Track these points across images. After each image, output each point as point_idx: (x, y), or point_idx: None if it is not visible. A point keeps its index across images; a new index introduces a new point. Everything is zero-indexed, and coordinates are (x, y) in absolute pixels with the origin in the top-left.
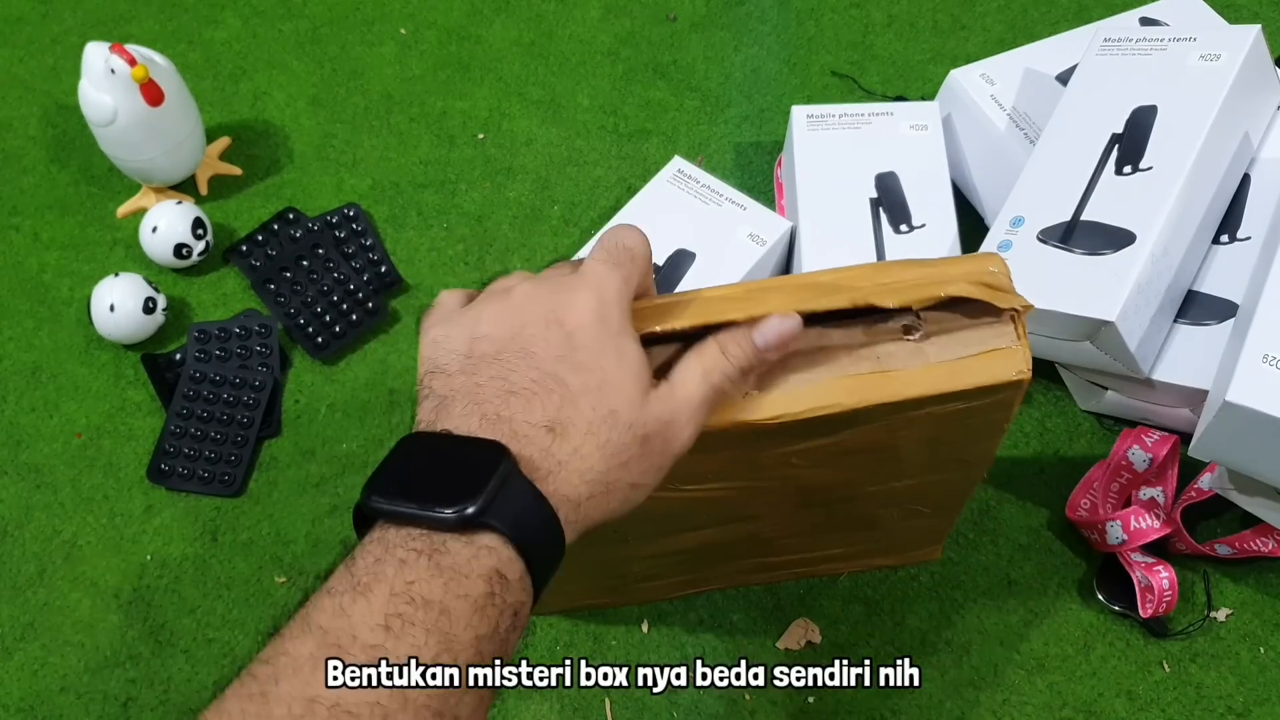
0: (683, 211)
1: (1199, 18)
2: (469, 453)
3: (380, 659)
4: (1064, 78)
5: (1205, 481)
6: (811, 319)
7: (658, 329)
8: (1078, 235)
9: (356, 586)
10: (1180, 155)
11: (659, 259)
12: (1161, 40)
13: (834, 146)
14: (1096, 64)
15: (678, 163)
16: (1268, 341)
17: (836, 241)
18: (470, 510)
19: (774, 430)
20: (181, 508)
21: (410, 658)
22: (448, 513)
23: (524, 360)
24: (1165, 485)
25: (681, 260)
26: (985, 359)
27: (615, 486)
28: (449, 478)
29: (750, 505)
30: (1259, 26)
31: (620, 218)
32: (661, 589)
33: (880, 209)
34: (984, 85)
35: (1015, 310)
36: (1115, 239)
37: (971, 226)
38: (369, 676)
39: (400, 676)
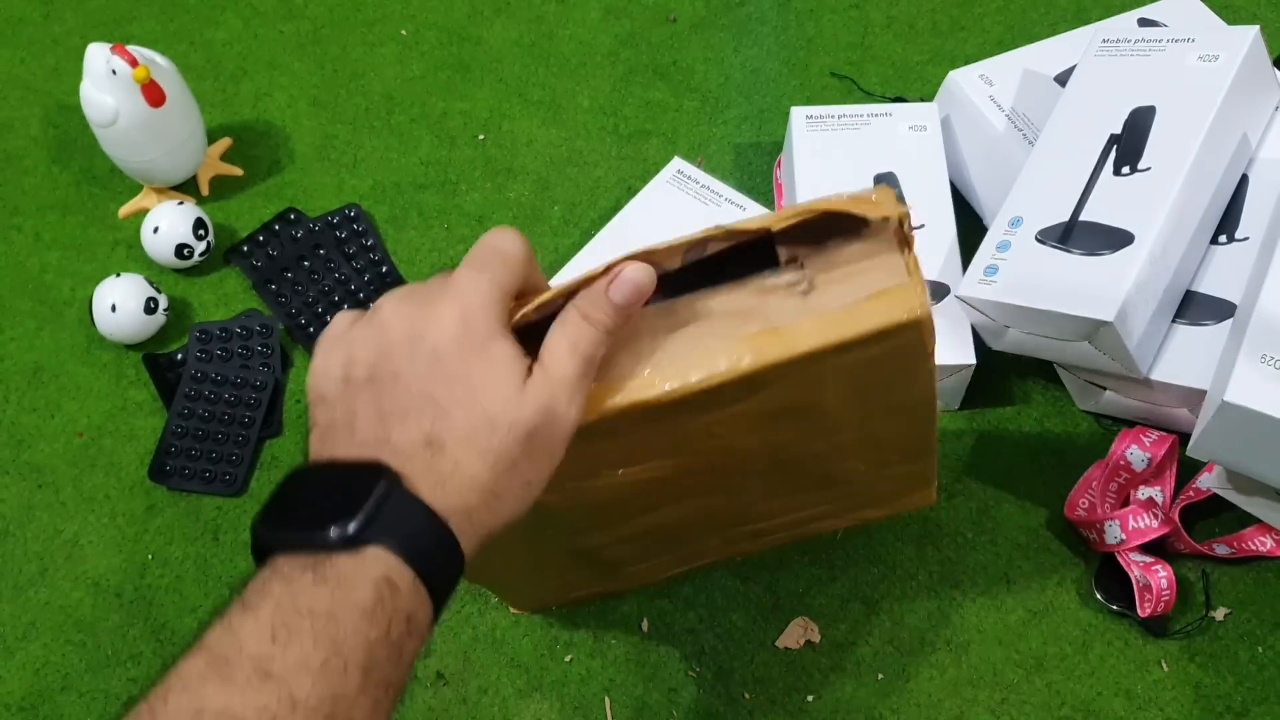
0: (682, 212)
1: (1198, 19)
2: (350, 477)
3: (267, 667)
4: (1062, 79)
5: (1204, 481)
6: (698, 284)
7: (524, 313)
8: (1076, 236)
9: (245, 607)
10: (1179, 156)
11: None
12: (1160, 41)
13: (833, 147)
14: (1095, 65)
15: (677, 163)
16: (1266, 342)
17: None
18: (351, 528)
19: (675, 405)
20: (183, 507)
21: (299, 664)
22: (330, 534)
23: (393, 383)
24: (1164, 485)
25: None
26: (876, 302)
27: (507, 490)
28: (331, 503)
29: (698, 479)
30: (1257, 27)
31: (620, 219)
32: (655, 569)
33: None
34: (983, 86)
35: (902, 234)
36: (1114, 239)
37: (970, 228)
38: (256, 682)
39: (289, 681)
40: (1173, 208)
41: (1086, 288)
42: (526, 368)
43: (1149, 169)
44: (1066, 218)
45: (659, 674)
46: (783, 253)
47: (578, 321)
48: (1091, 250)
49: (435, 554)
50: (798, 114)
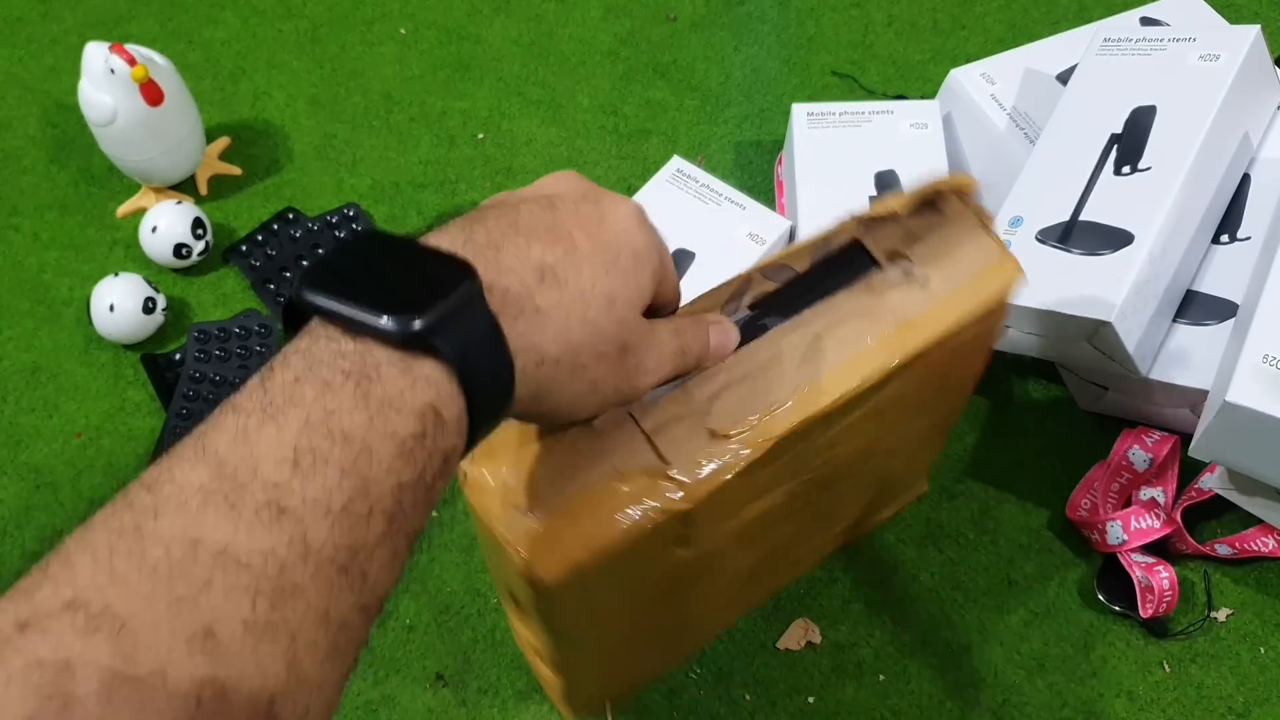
0: (682, 211)
1: (1199, 18)
2: (432, 265)
3: (283, 501)
4: (1064, 77)
5: (1206, 481)
6: (805, 300)
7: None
8: (1076, 235)
9: (267, 408)
10: (1179, 155)
11: None
12: (1161, 40)
13: (834, 144)
14: (1096, 64)
15: (676, 162)
16: (1268, 342)
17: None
18: (416, 325)
19: (831, 414)
20: None
21: (318, 502)
22: (387, 321)
23: (543, 207)
24: (1166, 485)
25: (681, 260)
26: (984, 280)
27: (580, 369)
28: (400, 285)
29: (798, 502)
30: (1259, 26)
31: None
32: (713, 624)
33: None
34: (984, 85)
35: (982, 214)
36: (1114, 239)
37: None
38: (266, 519)
39: (304, 523)
40: (1173, 207)
41: (1087, 288)
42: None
43: (1149, 169)
44: (1067, 217)
45: (659, 675)
46: (878, 252)
47: (682, 321)
48: (1091, 250)
49: (489, 386)
50: (799, 111)
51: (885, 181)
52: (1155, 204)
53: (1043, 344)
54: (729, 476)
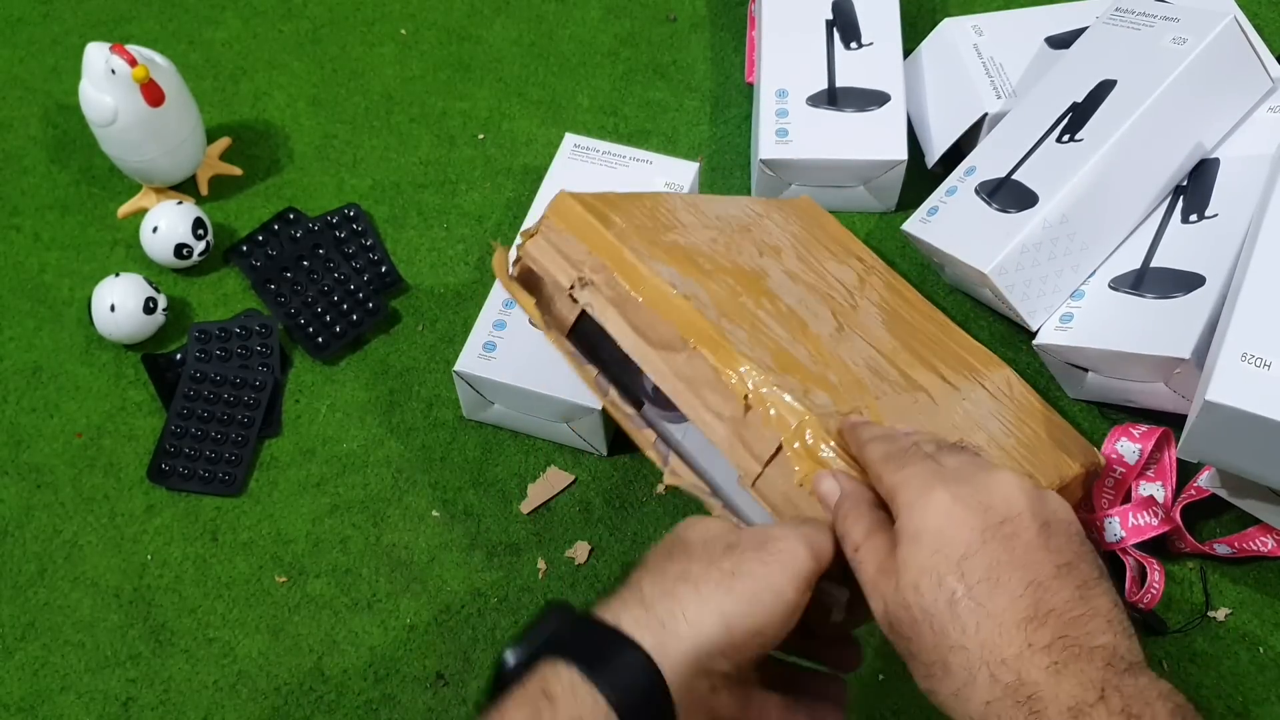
0: (595, 182)
1: (1212, 4)
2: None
3: None
4: (1053, 40)
5: (1203, 480)
6: None
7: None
8: (1002, 193)
9: None
10: (1108, 131)
11: None
12: (1154, 17)
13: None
14: (1098, 32)
15: (571, 139)
16: (1246, 340)
17: (795, 49)
18: (511, 655)
19: None
20: (182, 507)
21: None
22: (505, 656)
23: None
24: (1165, 480)
25: None
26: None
27: (702, 578)
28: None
29: None
30: (1231, 16)
31: (537, 204)
32: None
33: (834, 29)
34: (971, 34)
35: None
36: (1022, 200)
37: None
38: None
39: None
40: (1082, 179)
41: (982, 239)
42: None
43: (1082, 140)
44: (1003, 174)
45: None
46: None
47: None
48: (1004, 208)
49: (601, 658)
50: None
51: (840, 5)
52: (1067, 172)
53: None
54: None
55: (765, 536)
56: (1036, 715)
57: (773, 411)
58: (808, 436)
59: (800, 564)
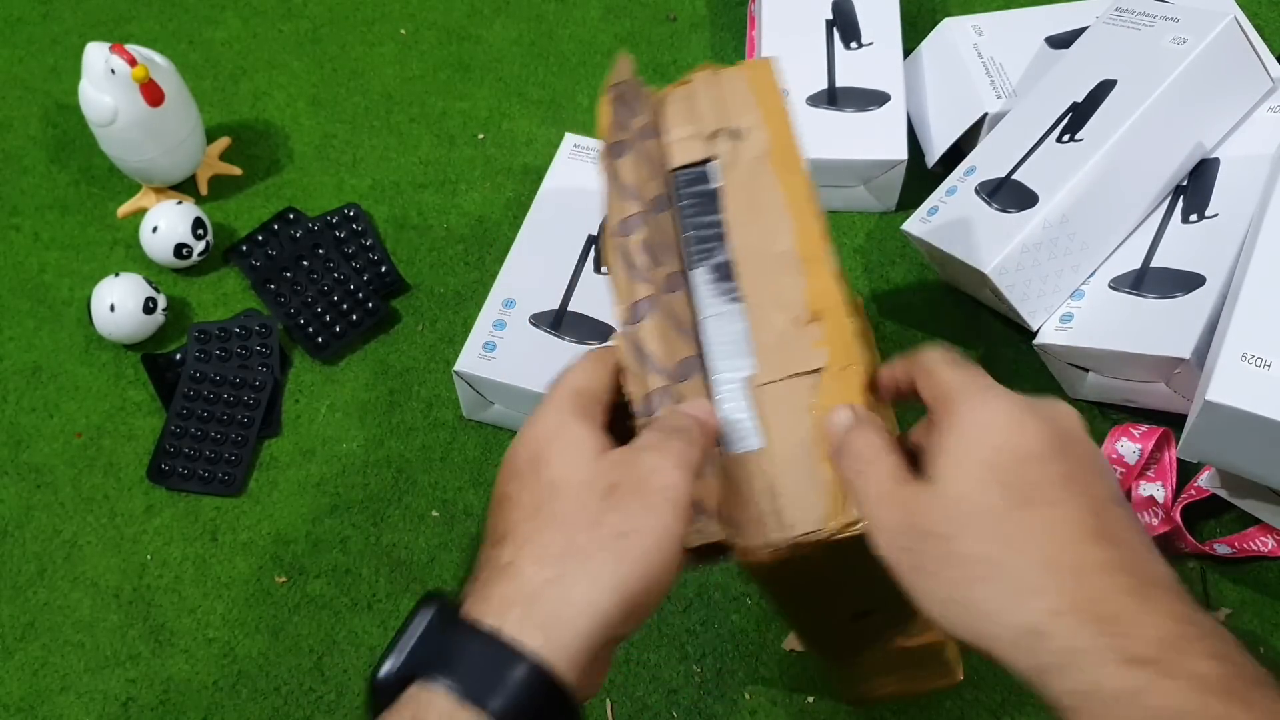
0: (594, 181)
1: (1212, 3)
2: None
3: None
4: (1053, 40)
5: (1204, 480)
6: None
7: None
8: (1002, 193)
9: None
10: (1108, 131)
11: (591, 230)
12: (1154, 17)
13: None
14: (1098, 32)
15: (571, 139)
16: (1246, 340)
17: (795, 49)
18: (381, 670)
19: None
20: (181, 507)
21: None
22: (373, 680)
23: (490, 505)
24: (1165, 480)
25: None
26: (758, 90)
27: (590, 549)
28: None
29: None
30: (1231, 16)
31: (537, 203)
32: None
33: (834, 28)
34: (971, 34)
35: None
36: (1023, 199)
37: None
38: None
39: None
40: (1081, 180)
41: (983, 240)
42: (606, 447)
43: (1082, 139)
44: (1003, 174)
45: (659, 674)
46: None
47: (659, 417)
48: (1005, 208)
49: (485, 674)
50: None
51: (840, 6)
52: (1067, 173)
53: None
54: None
55: (641, 468)
56: (1119, 640)
57: (831, 338)
58: (849, 378)
59: (682, 495)
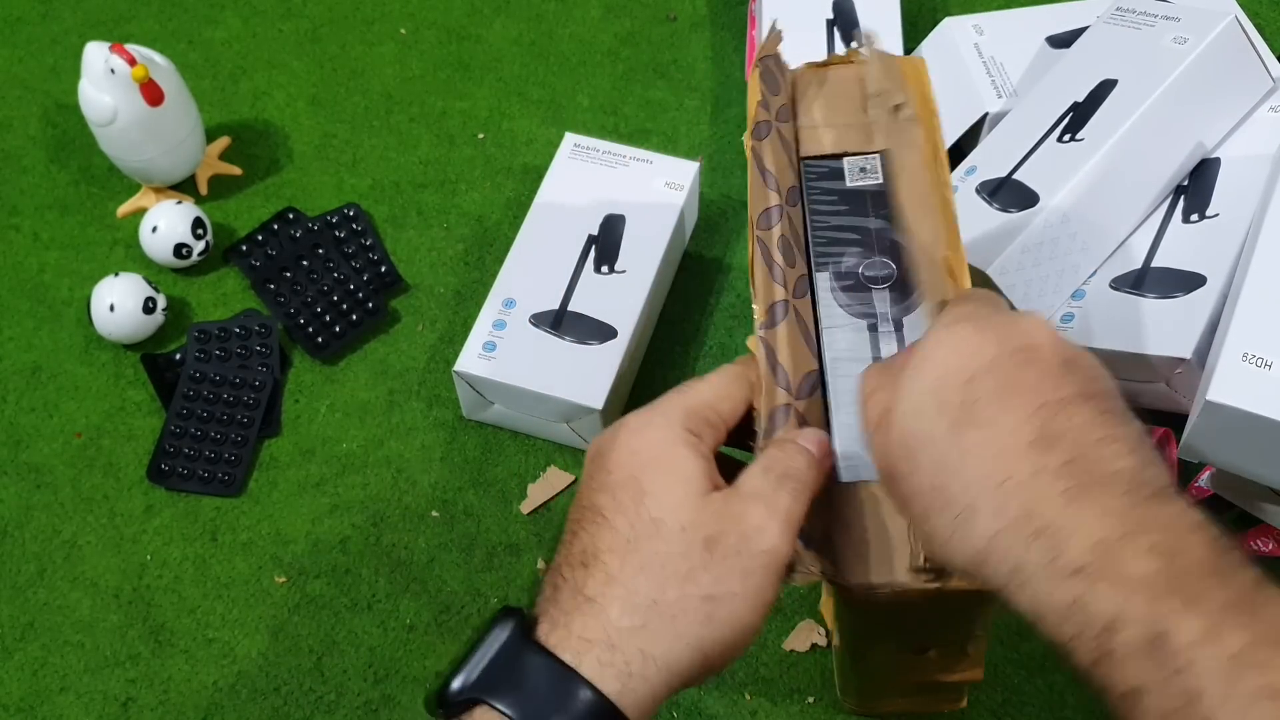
0: (596, 181)
1: (1213, 3)
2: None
3: None
4: (1053, 39)
5: (1204, 480)
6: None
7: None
8: (1003, 193)
9: None
10: (1110, 130)
11: (592, 230)
12: (1154, 16)
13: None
14: (1099, 31)
15: (571, 138)
16: (1247, 340)
17: (796, 48)
18: (452, 686)
19: None
20: (181, 508)
21: None
22: (434, 700)
23: (576, 510)
24: None
25: (615, 224)
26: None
27: (679, 607)
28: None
29: None
30: (1232, 16)
31: (537, 203)
32: None
33: (834, 28)
34: (972, 34)
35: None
36: (1024, 199)
37: None
38: None
39: None
40: (1082, 179)
41: (985, 240)
42: (712, 485)
43: (1083, 139)
44: (1004, 174)
45: None
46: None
47: (773, 452)
48: (1006, 207)
49: (556, 708)
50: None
51: (840, 5)
52: (1068, 171)
53: None
54: None
55: (746, 524)
56: (1053, 551)
57: None
58: None
59: (781, 559)
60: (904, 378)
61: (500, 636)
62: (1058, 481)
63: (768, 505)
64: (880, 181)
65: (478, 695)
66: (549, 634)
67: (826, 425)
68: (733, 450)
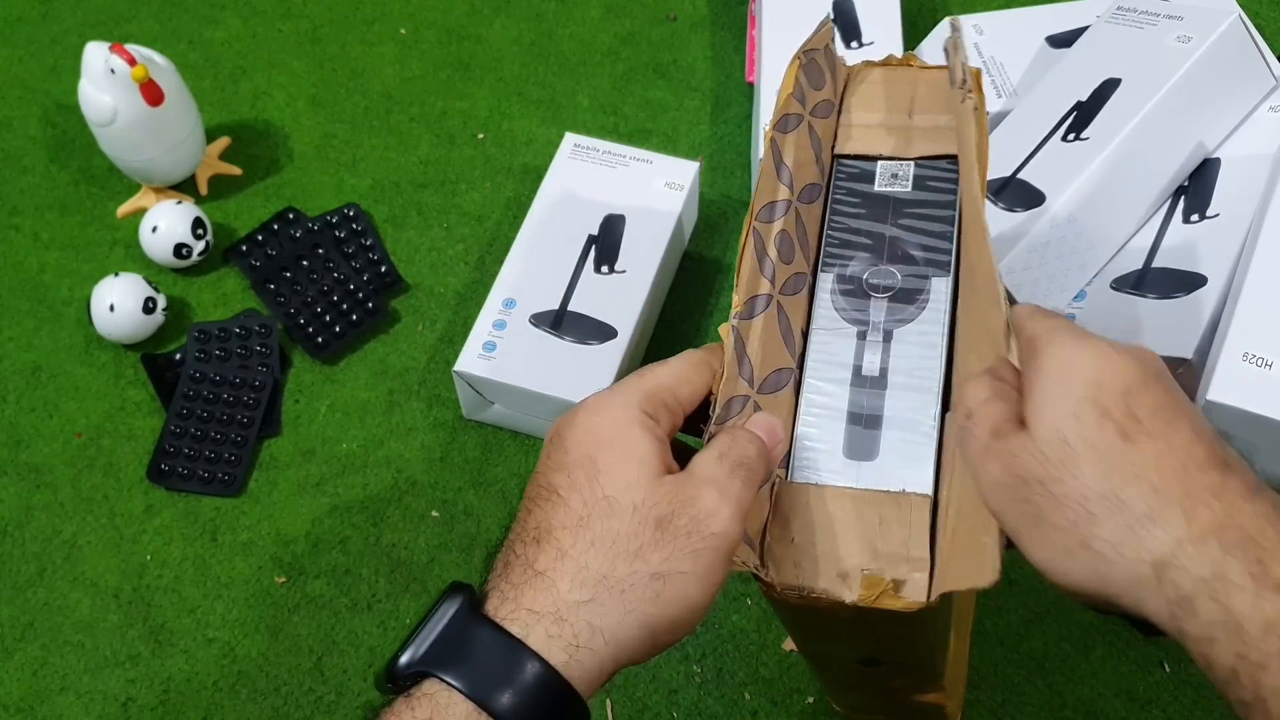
0: (596, 181)
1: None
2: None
3: None
4: (1053, 39)
5: None
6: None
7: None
8: (1008, 193)
9: None
10: (1113, 130)
11: (592, 230)
12: (1156, 15)
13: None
14: (1101, 30)
15: (571, 138)
16: (1247, 340)
17: (796, 47)
18: (401, 660)
19: None
20: (181, 508)
21: None
22: (382, 674)
23: (533, 488)
24: None
25: (615, 224)
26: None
27: (628, 583)
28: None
29: None
30: (1235, 15)
31: (537, 203)
32: None
33: (835, 28)
34: (972, 34)
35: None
36: (1029, 199)
37: None
38: None
39: None
40: (1088, 179)
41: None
42: (665, 467)
43: (1088, 139)
44: (1007, 174)
45: (659, 674)
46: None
47: (726, 439)
48: (1011, 207)
49: (504, 677)
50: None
51: (840, 6)
52: (1073, 172)
53: None
54: None
55: (697, 508)
56: (1258, 563)
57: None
58: None
59: (731, 543)
60: (1046, 384)
61: (448, 611)
62: (1248, 500)
63: (721, 490)
64: (909, 189)
65: (425, 669)
66: (498, 608)
67: (793, 423)
68: (686, 436)
